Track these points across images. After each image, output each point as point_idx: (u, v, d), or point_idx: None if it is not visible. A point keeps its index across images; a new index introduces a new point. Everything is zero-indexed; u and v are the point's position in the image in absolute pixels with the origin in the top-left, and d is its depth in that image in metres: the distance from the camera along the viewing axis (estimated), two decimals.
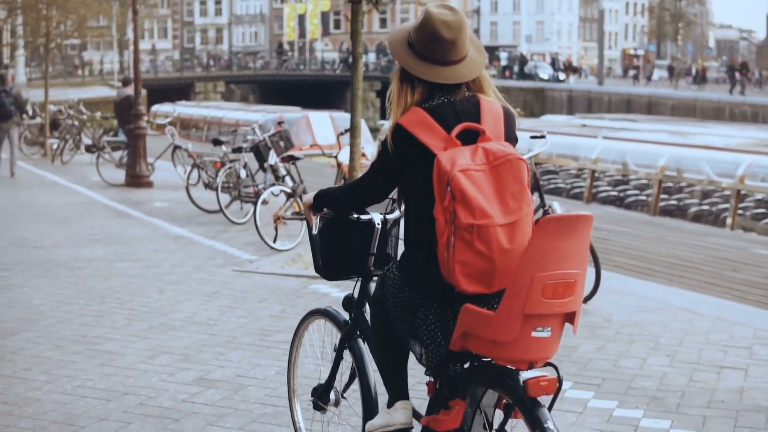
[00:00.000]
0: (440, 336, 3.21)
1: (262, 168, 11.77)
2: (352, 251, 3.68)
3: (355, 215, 3.60)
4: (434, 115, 3.14)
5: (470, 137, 3.11)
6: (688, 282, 9.10)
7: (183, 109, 34.22)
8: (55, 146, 21.39)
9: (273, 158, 11.45)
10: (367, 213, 3.65)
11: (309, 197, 3.61)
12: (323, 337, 4.09)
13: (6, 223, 11.97)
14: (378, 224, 3.65)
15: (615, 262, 9.60)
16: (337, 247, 3.69)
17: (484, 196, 2.98)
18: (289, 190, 10.67)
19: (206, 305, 7.35)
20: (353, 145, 8.74)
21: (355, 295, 3.77)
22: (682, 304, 7.68)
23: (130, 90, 17.01)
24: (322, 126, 25.28)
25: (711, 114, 42.56)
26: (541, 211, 7.38)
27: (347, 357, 3.78)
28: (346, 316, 3.82)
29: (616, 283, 8.27)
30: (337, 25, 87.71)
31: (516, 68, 60.76)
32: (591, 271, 7.48)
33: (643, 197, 17.70)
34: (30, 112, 24.16)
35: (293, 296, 7.60)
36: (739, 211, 15.31)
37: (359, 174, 8.03)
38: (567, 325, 3.04)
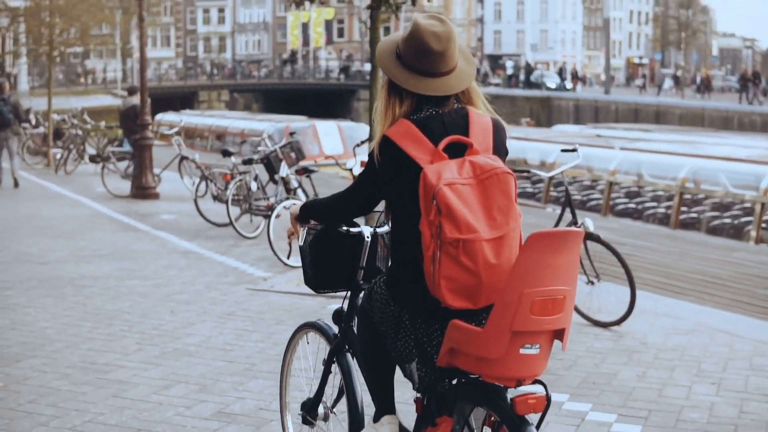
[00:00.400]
0: (427, 352, 3.16)
1: (272, 180, 11.41)
2: (342, 264, 3.64)
3: (345, 228, 3.56)
4: (422, 128, 3.09)
5: (458, 150, 3.06)
6: (720, 301, 8.74)
7: (187, 118, 33.88)
8: (58, 156, 21.10)
9: (284, 170, 11.09)
10: (357, 225, 3.60)
11: (295, 208, 3.58)
12: (315, 350, 3.97)
13: (8, 236, 11.60)
14: (368, 237, 3.59)
15: (642, 279, 9.20)
16: (326, 259, 3.64)
17: (470, 210, 2.93)
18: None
19: (221, 328, 6.97)
20: None
21: (344, 309, 3.69)
22: (718, 325, 7.37)
23: (136, 99, 16.67)
24: (329, 136, 24.93)
25: (719, 123, 42.33)
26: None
27: (336, 371, 3.72)
28: (336, 329, 3.76)
29: (647, 302, 7.91)
30: (341, 34, 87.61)
31: (522, 77, 60.43)
32: (625, 291, 7.15)
33: (660, 209, 17.35)
34: (33, 122, 23.88)
35: (311, 317, 7.17)
36: (762, 225, 14.93)
37: None
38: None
